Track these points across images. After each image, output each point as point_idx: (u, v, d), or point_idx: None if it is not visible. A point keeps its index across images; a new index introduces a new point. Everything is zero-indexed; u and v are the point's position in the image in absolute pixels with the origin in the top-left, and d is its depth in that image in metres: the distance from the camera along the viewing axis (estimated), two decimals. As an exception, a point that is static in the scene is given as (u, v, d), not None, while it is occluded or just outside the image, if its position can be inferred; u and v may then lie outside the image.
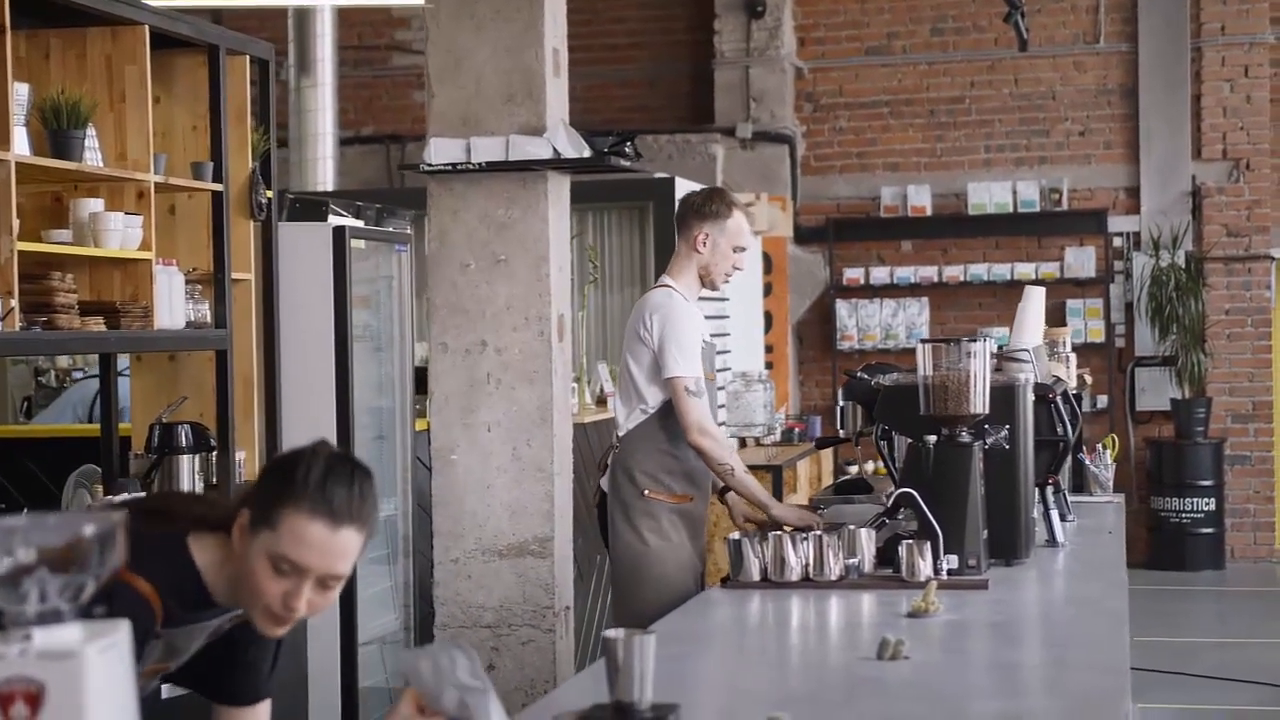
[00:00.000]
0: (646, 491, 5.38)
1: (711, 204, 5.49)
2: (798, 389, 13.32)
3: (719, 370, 10.03)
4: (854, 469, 10.91)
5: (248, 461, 6.09)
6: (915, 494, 4.37)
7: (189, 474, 5.62)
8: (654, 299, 5.42)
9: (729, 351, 10.57)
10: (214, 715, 3.04)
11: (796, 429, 10.96)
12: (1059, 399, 5.10)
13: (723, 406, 9.96)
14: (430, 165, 5.59)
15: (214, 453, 5.81)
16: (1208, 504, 12.46)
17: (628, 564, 5.41)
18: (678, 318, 5.32)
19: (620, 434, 5.48)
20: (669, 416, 5.30)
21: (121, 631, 1.86)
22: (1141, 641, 9.41)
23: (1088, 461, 6.47)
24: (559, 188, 5.71)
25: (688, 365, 5.26)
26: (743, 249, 5.51)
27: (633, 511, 5.39)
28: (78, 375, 9.10)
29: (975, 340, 4.48)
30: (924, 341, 4.52)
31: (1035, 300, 5.81)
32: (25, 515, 1.91)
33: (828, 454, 10.98)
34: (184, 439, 5.64)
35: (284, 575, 2.66)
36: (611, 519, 5.45)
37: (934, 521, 4.31)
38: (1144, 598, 11.24)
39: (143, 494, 5.32)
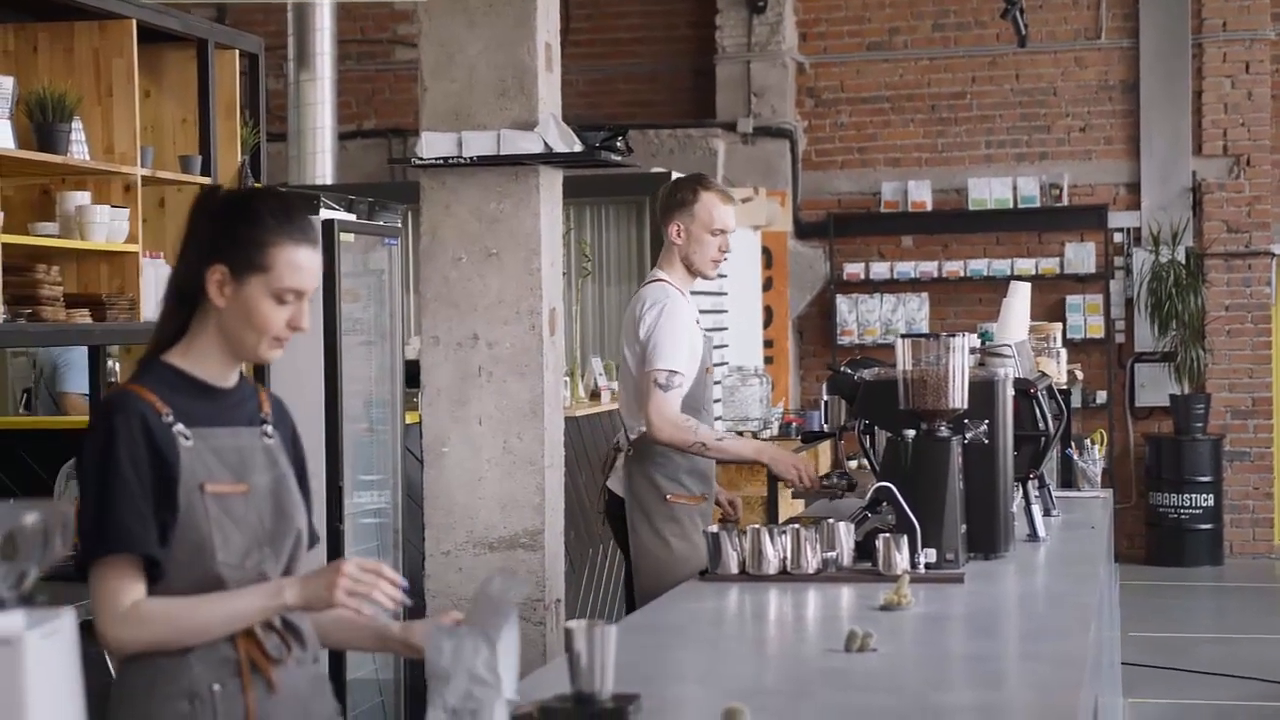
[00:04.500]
0: (669, 495, 5.35)
1: (677, 193, 5.43)
2: (798, 384, 13.33)
3: (716, 364, 10.11)
4: (854, 464, 10.88)
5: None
6: (893, 488, 4.38)
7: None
8: (651, 294, 5.39)
9: (726, 346, 10.58)
10: None
11: (795, 424, 10.94)
12: (1041, 394, 5.11)
13: (718, 401, 9.97)
14: (422, 159, 5.59)
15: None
16: (1206, 500, 12.46)
17: (652, 568, 5.34)
18: (671, 313, 5.30)
19: (632, 436, 5.43)
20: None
21: (65, 619, 1.88)
22: (1137, 637, 9.42)
23: (1076, 457, 6.47)
24: (551, 182, 5.71)
25: (665, 360, 5.25)
26: (721, 231, 5.40)
27: (656, 516, 5.35)
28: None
29: (955, 336, 4.49)
30: (903, 336, 4.53)
31: (1020, 296, 5.82)
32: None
33: (827, 448, 10.97)
34: (172, 431, 5.64)
35: (286, 304, 2.97)
36: (632, 524, 5.40)
37: (912, 516, 4.33)
38: (1142, 593, 11.25)
39: None
